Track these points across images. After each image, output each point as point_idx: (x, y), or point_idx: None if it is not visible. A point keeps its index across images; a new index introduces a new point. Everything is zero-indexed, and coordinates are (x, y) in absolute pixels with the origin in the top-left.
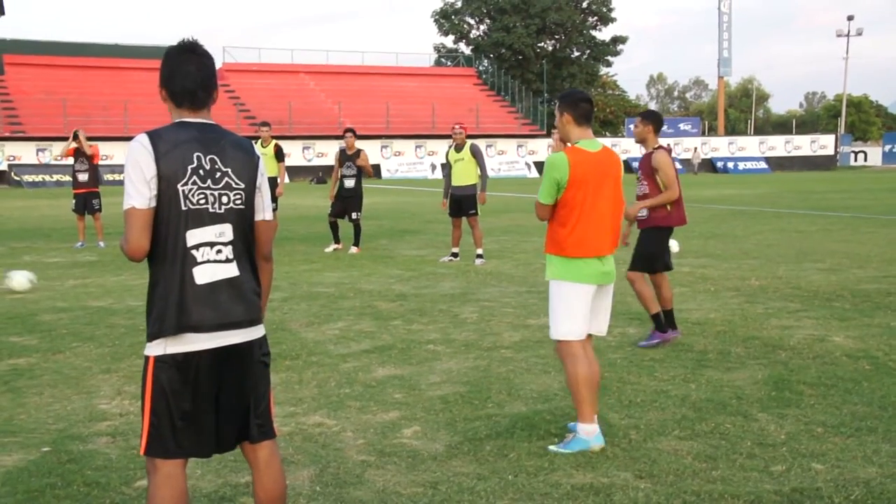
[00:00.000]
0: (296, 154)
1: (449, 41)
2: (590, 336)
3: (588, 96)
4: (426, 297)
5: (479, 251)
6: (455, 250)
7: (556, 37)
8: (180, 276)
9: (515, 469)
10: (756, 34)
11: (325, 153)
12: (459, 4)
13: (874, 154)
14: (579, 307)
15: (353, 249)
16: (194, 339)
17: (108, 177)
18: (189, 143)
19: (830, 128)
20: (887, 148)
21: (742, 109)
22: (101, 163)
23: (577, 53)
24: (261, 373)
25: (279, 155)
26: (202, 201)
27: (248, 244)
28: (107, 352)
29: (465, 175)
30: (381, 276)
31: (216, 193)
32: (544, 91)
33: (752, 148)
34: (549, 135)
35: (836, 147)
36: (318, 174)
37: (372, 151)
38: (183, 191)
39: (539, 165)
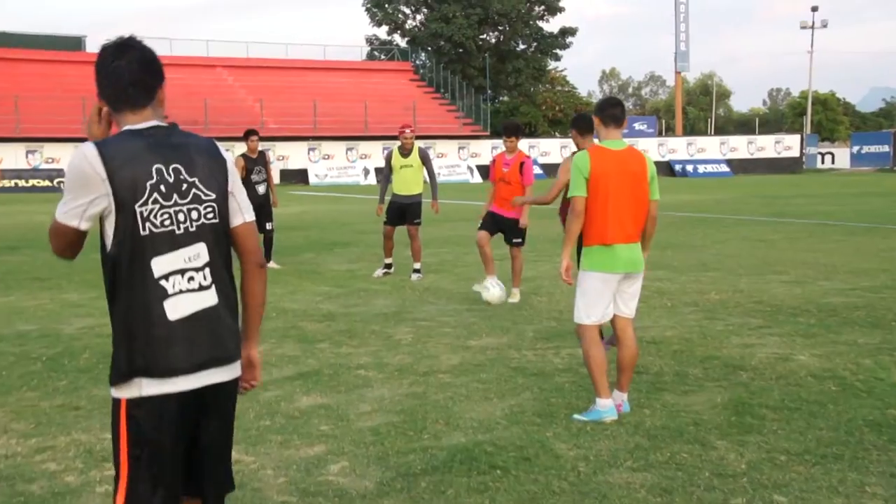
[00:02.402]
0: None
1: (382, 32)
2: (628, 319)
3: (617, 101)
4: (357, 317)
5: (417, 265)
6: (388, 261)
7: (500, 28)
8: (149, 312)
9: None
10: (716, 26)
11: None
12: None
13: (842, 156)
14: (595, 294)
15: (274, 265)
16: (171, 381)
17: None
18: (144, 155)
19: (796, 127)
20: (855, 149)
21: (701, 107)
22: None
23: (522, 46)
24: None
25: None
26: (167, 222)
27: (226, 262)
28: None
29: (411, 182)
30: (307, 293)
31: (185, 210)
32: (487, 87)
33: (712, 149)
34: (493, 136)
35: (801, 148)
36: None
37: (298, 154)
38: (141, 213)
39: (482, 169)
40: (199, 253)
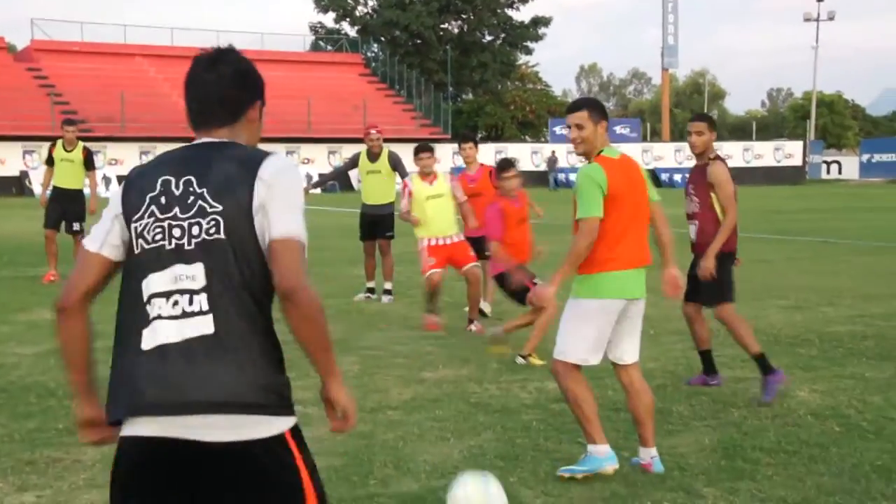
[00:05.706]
0: (131, 160)
1: (329, 19)
2: (633, 365)
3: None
4: (296, 345)
5: (389, 286)
6: (371, 285)
7: (463, 16)
8: (128, 339)
9: None
10: (709, 18)
11: None
12: None
13: (850, 165)
14: (599, 327)
15: None
16: (146, 422)
17: None
18: (160, 167)
19: (798, 132)
20: (865, 158)
21: (692, 109)
22: None
23: (489, 38)
24: (278, 499)
25: (89, 162)
26: (158, 237)
27: (236, 288)
28: None
29: (380, 191)
30: None
31: (185, 224)
32: (448, 84)
33: None
34: (454, 139)
35: (804, 156)
36: None
37: None
38: (135, 228)
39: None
40: (193, 275)
